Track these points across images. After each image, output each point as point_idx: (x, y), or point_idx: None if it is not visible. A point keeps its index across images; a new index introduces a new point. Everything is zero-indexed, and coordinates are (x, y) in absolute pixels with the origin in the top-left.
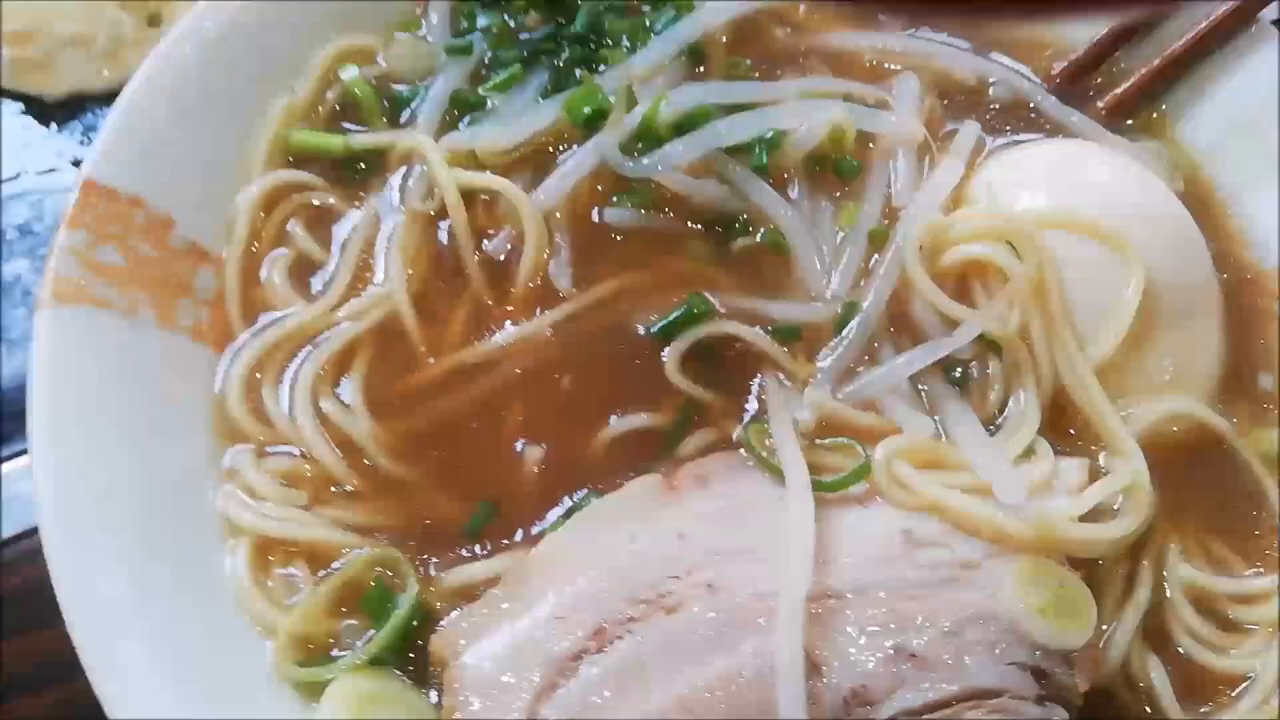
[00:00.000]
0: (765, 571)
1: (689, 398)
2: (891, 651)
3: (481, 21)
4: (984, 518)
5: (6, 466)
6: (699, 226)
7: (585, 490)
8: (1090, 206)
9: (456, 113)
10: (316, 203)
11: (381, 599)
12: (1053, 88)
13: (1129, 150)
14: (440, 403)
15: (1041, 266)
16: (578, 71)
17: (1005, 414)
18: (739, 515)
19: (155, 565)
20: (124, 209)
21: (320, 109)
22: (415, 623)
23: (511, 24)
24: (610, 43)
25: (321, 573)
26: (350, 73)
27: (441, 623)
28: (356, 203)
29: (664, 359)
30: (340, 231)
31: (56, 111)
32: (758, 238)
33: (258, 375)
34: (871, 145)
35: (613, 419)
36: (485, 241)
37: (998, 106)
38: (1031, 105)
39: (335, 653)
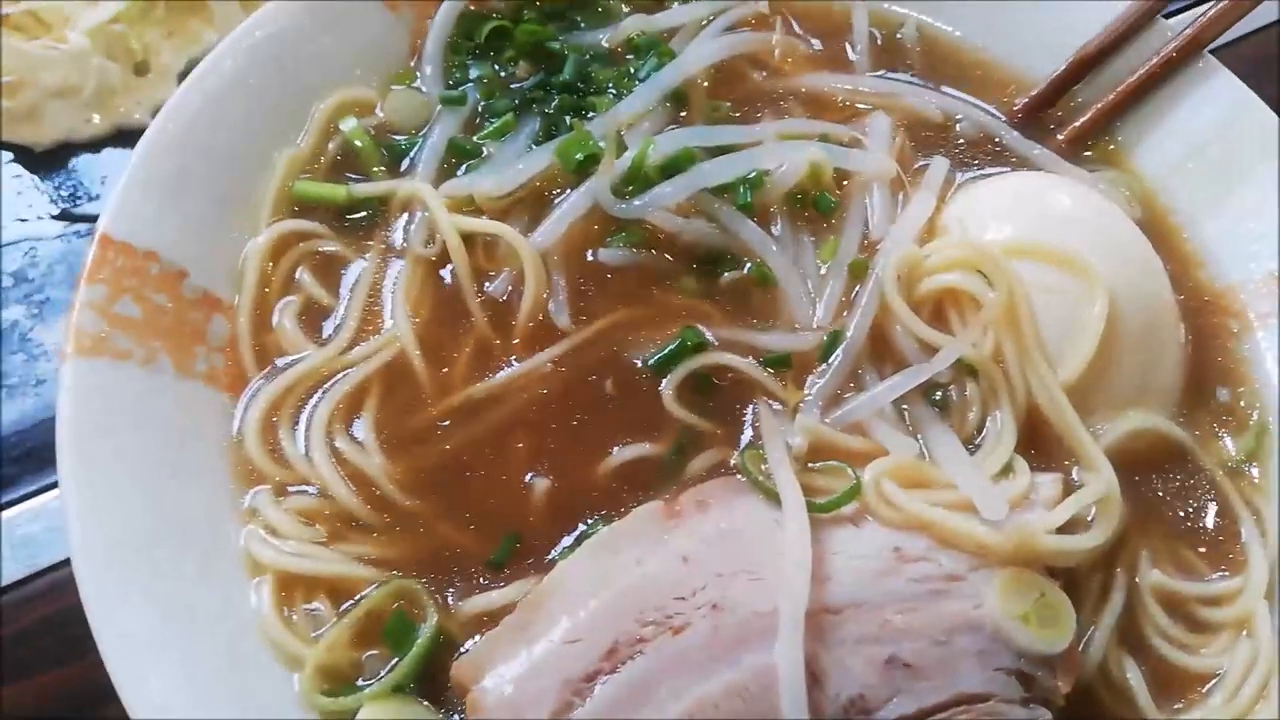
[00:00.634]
0: (765, 590)
1: (687, 426)
2: (886, 661)
3: (474, 72)
4: (967, 533)
5: (10, 511)
6: (689, 263)
7: (593, 518)
8: (1055, 235)
9: (454, 160)
10: (322, 250)
11: (402, 629)
12: (1015, 122)
13: (1088, 180)
14: (450, 438)
15: (1012, 293)
16: (568, 118)
17: (983, 433)
18: (739, 537)
19: (183, 603)
20: (139, 262)
21: (322, 160)
22: (436, 651)
23: (502, 74)
24: (597, 90)
25: (343, 606)
26: (350, 124)
27: (461, 649)
28: (360, 249)
29: (662, 390)
30: (347, 277)
31: (45, 160)
32: (745, 271)
33: (274, 418)
34: (847, 182)
35: (615, 449)
36: (487, 283)
37: (964, 142)
38: (996, 140)
39: (360, 682)
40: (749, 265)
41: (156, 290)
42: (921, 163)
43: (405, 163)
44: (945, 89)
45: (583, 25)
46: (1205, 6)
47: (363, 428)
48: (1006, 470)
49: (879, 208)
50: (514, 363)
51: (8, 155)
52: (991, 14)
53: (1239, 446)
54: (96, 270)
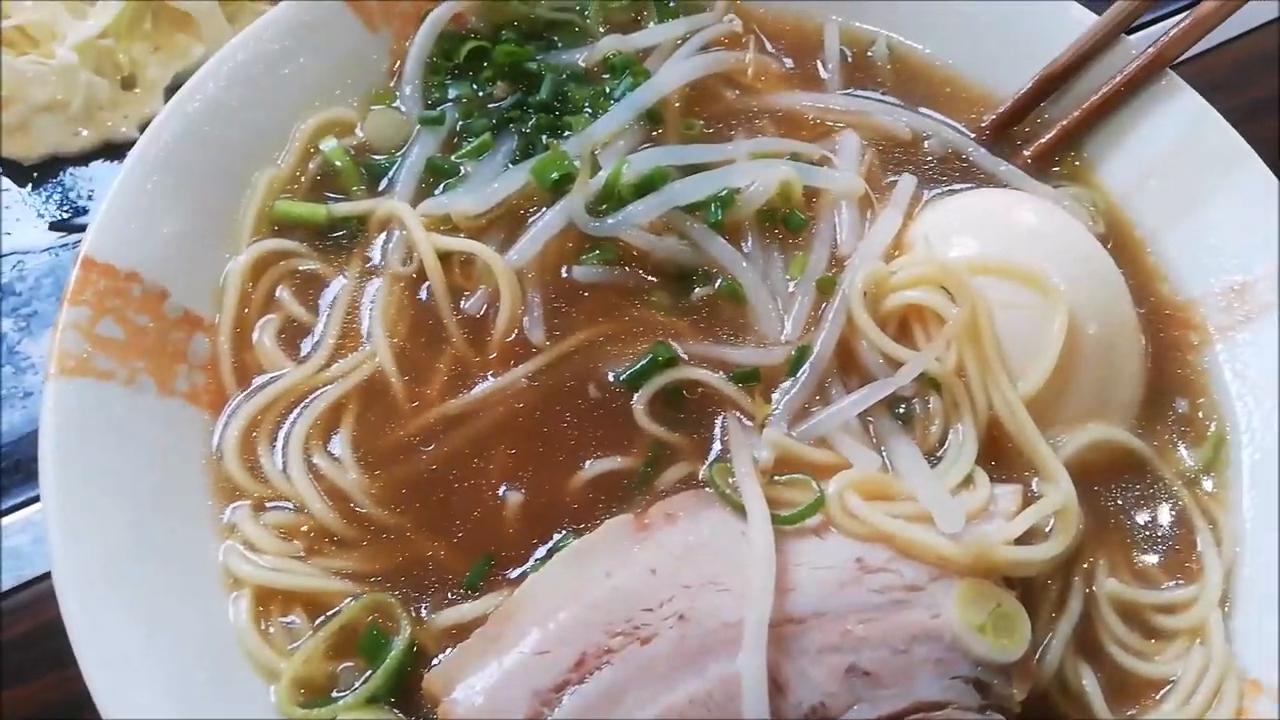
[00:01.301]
0: (731, 601)
1: (658, 439)
2: (847, 670)
3: (452, 92)
4: (927, 544)
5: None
6: (661, 279)
7: (564, 531)
8: (1018, 252)
9: (432, 179)
10: (302, 269)
11: (376, 641)
12: (983, 139)
13: (1053, 196)
14: (425, 453)
15: (974, 309)
16: (544, 138)
17: (945, 445)
18: (705, 549)
19: (163, 616)
20: (122, 284)
21: (302, 179)
22: (409, 662)
23: (480, 94)
24: (573, 109)
25: (319, 619)
26: (330, 144)
27: (434, 661)
28: (340, 268)
29: (634, 404)
30: (326, 295)
31: (33, 174)
32: (716, 287)
33: (253, 435)
34: (817, 199)
35: (588, 462)
36: (463, 300)
37: (932, 159)
38: (964, 156)
39: (335, 693)
40: (720, 281)
41: (139, 311)
42: (890, 179)
43: (384, 182)
44: (914, 107)
45: (560, 45)
46: (1167, 23)
47: (340, 444)
48: (968, 482)
49: (847, 225)
50: (489, 378)
51: None
52: (960, 32)
53: (1197, 457)
54: (79, 292)
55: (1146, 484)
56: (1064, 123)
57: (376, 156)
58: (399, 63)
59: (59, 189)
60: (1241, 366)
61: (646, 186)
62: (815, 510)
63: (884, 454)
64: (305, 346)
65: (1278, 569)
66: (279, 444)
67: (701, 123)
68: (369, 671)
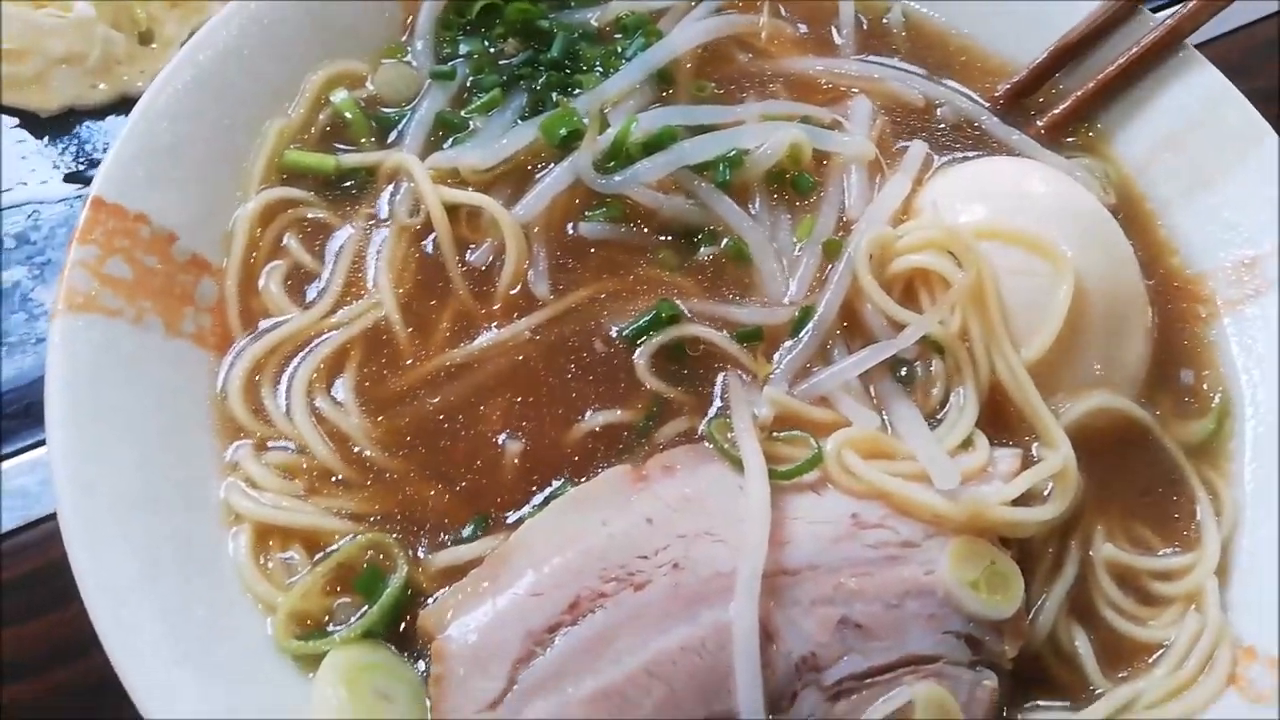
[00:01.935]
0: (726, 551)
1: (658, 394)
2: (839, 622)
3: (463, 48)
4: (923, 502)
5: (6, 464)
6: (667, 237)
7: (562, 479)
8: (1026, 219)
9: (441, 133)
10: (310, 217)
11: (373, 579)
12: (996, 108)
13: (1064, 166)
14: (427, 400)
15: (980, 274)
16: (554, 95)
17: (946, 408)
18: (702, 501)
19: (165, 551)
20: (130, 225)
21: (312, 130)
22: (405, 601)
23: (491, 50)
24: (584, 68)
25: (317, 556)
26: (340, 96)
27: (429, 600)
28: (347, 217)
29: (635, 359)
30: (333, 244)
31: (50, 125)
32: (722, 246)
33: (257, 377)
34: (826, 163)
35: (588, 414)
36: (468, 253)
37: (944, 126)
38: (976, 125)
39: (331, 628)
40: (726, 241)
41: (147, 252)
42: (900, 145)
43: (393, 134)
44: (929, 74)
45: (572, 4)
46: None
47: (343, 388)
48: (967, 444)
49: (856, 189)
50: (493, 329)
51: (14, 120)
52: (977, 0)
53: (1200, 428)
54: (88, 231)
55: (1148, 453)
56: (1079, 94)
57: (386, 109)
58: (411, 17)
59: (75, 141)
60: (1249, 340)
61: (655, 145)
62: (812, 466)
63: (884, 415)
64: (311, 293)
65: (1277, 541)
66: (283, 386)
67: (713, 85)
68: (365, 607)
